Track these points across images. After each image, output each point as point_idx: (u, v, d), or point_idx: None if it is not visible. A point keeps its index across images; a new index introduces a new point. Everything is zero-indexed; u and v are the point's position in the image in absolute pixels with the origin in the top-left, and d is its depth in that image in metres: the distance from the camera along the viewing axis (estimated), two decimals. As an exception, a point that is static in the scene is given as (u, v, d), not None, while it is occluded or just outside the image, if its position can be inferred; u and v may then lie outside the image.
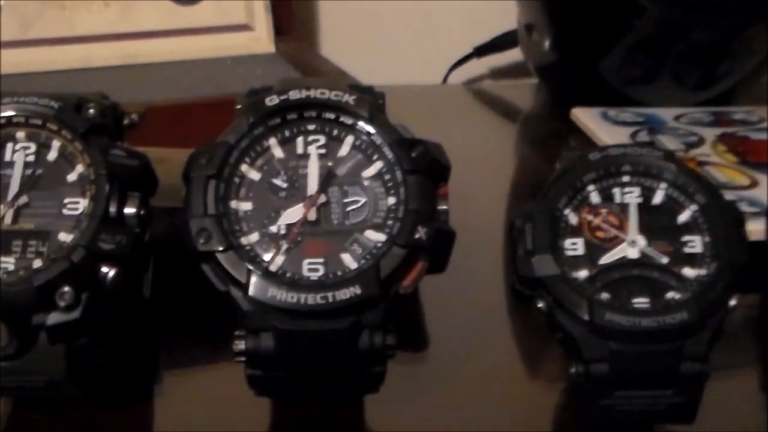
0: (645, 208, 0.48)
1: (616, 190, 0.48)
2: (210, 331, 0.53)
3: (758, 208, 0.63)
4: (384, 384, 0.47)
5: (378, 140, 0.46)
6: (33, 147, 0.47)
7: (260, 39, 0.89)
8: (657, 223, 0.48)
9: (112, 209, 0.45)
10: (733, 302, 0.46)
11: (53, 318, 0.44)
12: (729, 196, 0.64)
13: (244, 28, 0.89)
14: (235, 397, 0.48)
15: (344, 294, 0.43)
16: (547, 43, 0.87)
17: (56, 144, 0.47)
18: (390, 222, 0.45)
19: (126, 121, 0.73)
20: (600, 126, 0.78)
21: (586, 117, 0.80)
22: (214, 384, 0.52)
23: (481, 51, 0.96)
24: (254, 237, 0.45)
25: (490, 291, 0.60)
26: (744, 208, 0.64)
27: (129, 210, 0.45)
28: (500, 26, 0.95)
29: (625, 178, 0.48)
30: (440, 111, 0.92)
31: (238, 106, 0.47)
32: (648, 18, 0.79)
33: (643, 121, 0.80)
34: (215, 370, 0.52)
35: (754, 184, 0.68)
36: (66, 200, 0.46)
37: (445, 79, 0.98)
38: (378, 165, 0.46)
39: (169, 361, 0.55)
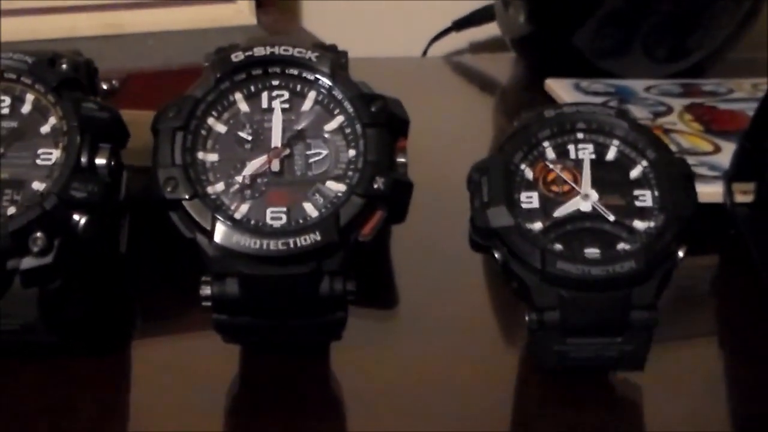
0: (599, 163, 0.49)
1: (571, 147, 0.50)
2: (184, 281, 0.54)
3: (718, 173, 0.64)
4: (352, 335, 0.49)
5: (339, 95, 0.48)
6: (8, 100, 0.48)
7: (242, 11, 0.90)
8: (610, 178, 0.49)
9: (84, 159, 0.46)
10: (681, 254, 0.48)
11: (27, 263, 0.45)
12: (691, 161, 0.67)
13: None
14: (206, 346, 0.50)
15: (305, 240, 0.45)
16: (522, 17, 0.89)
17: (30, 97, 0.48)
18: (350, 173, 0.47)
19: (106, 87, 0.75)
20: (572, 96, 0.80)
21: (559, 88, 0.82)
22: (186, 332, 0.54)
23: (459, 25, 0.98)
24: (220, 186, 0.47)
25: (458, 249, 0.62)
26: (704, 171, 0.66)
27: (100, 160, 0.47)
28: (478, 2, 0.96)
29: (579, 135, 0.50)
30: (420, 83, 0.93)
31: (206, 63, 0.49)
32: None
33: (613, 92, 0.82)
34: (188, 319, 0.54)
35: (717, 150, 0.70)
36: (40, 151, 0.47)
37: (425, 53, 0.99)
38: (339, 119, 0.48)
39: (143, 310, 0.56)
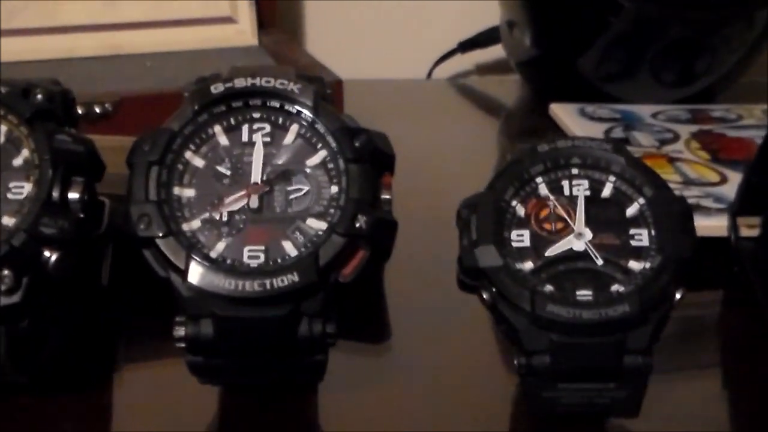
0: (593, 200, 0.48)
1: (565, 183, 0.48)
2: (165, 317, 0.53)
3: (724, 205, 0.62)
4: (341, 375, 0.47)
5: (321, 129, 0.46)
6: (-20, 132, 0.47)
7: (244, 32, 0.89)
8: (605, 216, 0.47)
9: (55, 194, 0.45)
10: (678, 296, 0.46)
11: None
12: (696, 191, 0.65)
13: (227, 20, 0.90)
14: (188, 386, 0.48)
15: (282, 281, 0.43)
16: (527, 40, 0.87)
17: (3, 128, 0.47)
18: (332, 210, 0.45)
19: (99, 110, 0.74)
20: (576, 122, 0.78)
21: (563, 113, 0.81)
22: (169, 368, 0.52)
23: (464, 47, 0.96)
24: (196, 224, 0.45)
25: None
26: (709, 204, 0.64)
27: (73, 195, 0.45)
28: (485, 22, 0.95)
29: (574, 171, 0.48)
30: (424, 106, 0.92)
31: (185, 94, 0.47)
32: (625, 15, 0.80)
33: (619, 118, 0.80)
34: (171, 354, 0.52)
35: (723, 180, 0.68)
36: (11, 184, 0.46)
37: (429, 74, 0.98)
38: (322, 154, 0.46)
39: (125, 344, 0.55)
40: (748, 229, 0.59)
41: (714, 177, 0.68)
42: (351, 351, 0.53)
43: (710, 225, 0.60)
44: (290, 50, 0.87)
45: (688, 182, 0.67)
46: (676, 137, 0.76)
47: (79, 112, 0.72)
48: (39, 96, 0.47)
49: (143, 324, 0.55)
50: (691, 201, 0.63)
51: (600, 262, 0.46)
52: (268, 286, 0.43)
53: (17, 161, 0.46)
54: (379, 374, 0.53)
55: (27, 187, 0.46)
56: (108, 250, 0.53)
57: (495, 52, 0.96)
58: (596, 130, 0.76)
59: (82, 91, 0.75)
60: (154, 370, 0.53)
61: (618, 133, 0.76)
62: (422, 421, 0.48)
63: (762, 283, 0.56)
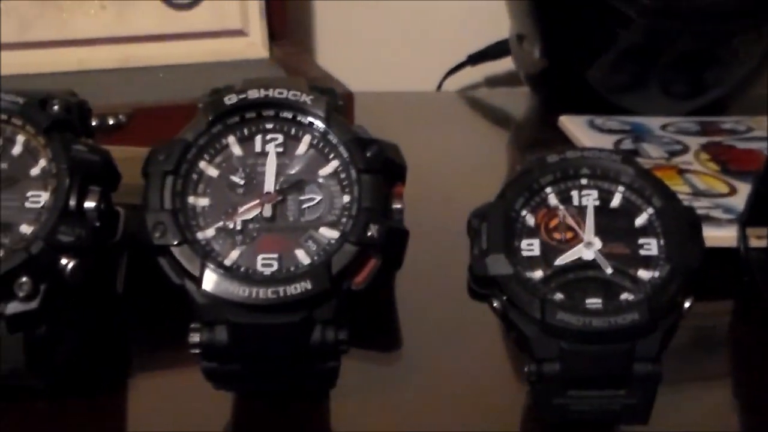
0: (603, 210, 0.48)
1: (574, 193, 0.49)
2: (179, 324, 0.53)
3: (733, 215, 0.63)
4: (353, 382, 0.48)
5: (334, 139, 0.47)
6: (-1, 141, 0.48)
7: (254, 44, 0.90)
8: (615, 225, 0.48)
9: (72, 203, 0.45)
10: (687, 305, 0.46)
11: (12, 308, 0.45)
12: (706, 203, 0.66)
13: (238, 33, 0.90)
14: (203, 391, 0.48)
15: (295, 289, 0.44)
16: (537, 53, 0.88)
17: (21, 139, 0.47)
18: (344, 220, 0.46)
19: (112, 122, 0.74)
20: (585, 134, 0.79)
21: (572, 125, 0.81)
22: (182, 378, 0.52)
23: (474, 59, 0.97)
24: (210, 232, 0.46)
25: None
26: (719, 214, 0.64)
27: (89, 204, 0.46)
28: (494, 35, 0.95)
29: (584, 181, 0.49)
30: (434, 118, 0.93)
31: (200, 105, 0.48)
32: (635, 28, 0.80)
33: (629, 130, 0.80)
34: (186, 361, 0.53)
35: (732, 191, 0.68)
36: (29, 194, 0.46)
37: (439, 87, 0.98)
38: (334, 164, 0.47)
39: (140, 351, 0.55)
40: (757, 239, 0.59)
41: (723, 188, 0.69)
42: (363, 358, 0.54)
43: (720, 236, 0.61)
44: (301, 62, 0.88)
45: (697, 193, 0.67)
46: (685, 149, 0.76)
47: (93, 123, 0.73)
48: (56, 107, 0.48)
49: (157, 331, 0.55)
50: (700, 212, 0.63)
51: (609, 270, 0.46)
52: (281, 294, 0.44)
53: (35, 171, 0.47)
54: (390, 381, 0.53)
55: (44, 196, 0.46)
56: (123, 258, 0.54)
57: (504, 64, 0.96)
58: (605, 141, 0.77)
59: (96, 102, 0.75)
60: (168, 375, 0.53)
61: (627, 144, 0.77)
62: (433, 427, 0.49)
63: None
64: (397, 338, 0.57)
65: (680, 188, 0.68)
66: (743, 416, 0.52)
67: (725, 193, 0.68)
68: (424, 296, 0.60)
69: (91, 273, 0.47)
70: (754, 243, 0.59)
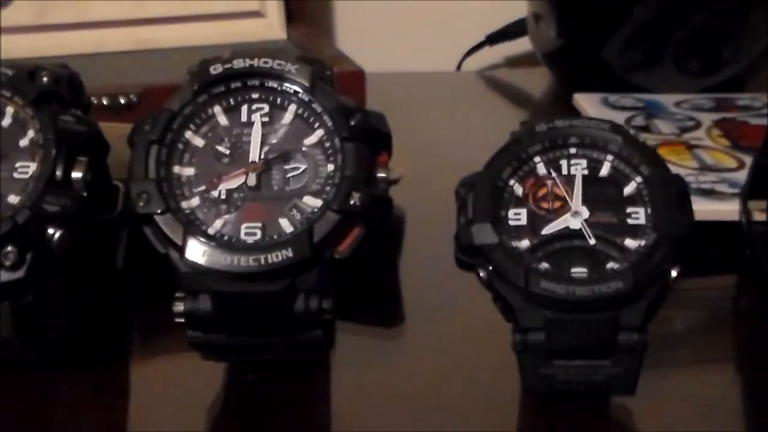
0: (591, 179, 0.48)
1: (563, 162, 0.48)
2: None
3: (738, 190, 0.62)
4: (354, 353, 0.48)
5: (318, 108, 0.47)
6: (-12, 114, 0.48)
7: (272, 26, 0.90)
8: (603, 194, 0.48)
9: (59, 173, 0.46)
10: (674, 273, 0.46)
11: None
12: (712, 177, 0.65)
13: (255, 14, 0.90)
14: (200, 365, 0.49)
15: (277, 257, 0.44)
16: (553, 32, 0.87)
17: (10, 110, 0.48)
18: (328, 188, 0.46)
19: (123, 101, 0.75)
20: (599, 111, 0.78)
21: (586, 102, 0.80)
22: (181, 352, 0.53)
23: (492, 39, 0.96)
24: (195, 201, 0.46)
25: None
26: (724, 189, 0.64)
27: (76, 174, 0.46)
28: (512, 15, 0.95)
29: (572, 150, 0.48)
30: (453, 97, 0.93)
31: (187, 75, 0.48)
32: (649, 4, 0.79)
33: (642, 107, 0.80)
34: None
35: (741, 166, 0.67)
36: (18, 164, 0.47)
37: (459, 67, 0.98)
38: (319, 133, 0.47)
39: (140, 326, 0.56)
40: (760, 213, 0.59)
41: (732, 163, 0.68)
42: (360, 332, 0.54)
43: (723, 209, 0.60)
44: (319, 44, 0.88)
45: (704, 168, 0.67)
46: (697, 125, 0.75)
47: (105, 102, 0.74)
48: (45, 78, 0.48)
49: (157, 306, 0.56)
50: (705, 186, 0.63)
51: (593, 241, 0.46)
52: (263, 261, 0.44)
53: (23, 142, 0.48)
54: (387, 353, 0.53)
55: (32, 167, 0.47)
56: (123, 233, 0.54)
57: (522, 44, 0.96)
58: (618, 118, 0.76)
59: (110, 83, 0.77)
60: (167, 350, 0.53)
61: (639, 121, 0.76)
62: (428, 398, 0.49)
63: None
64: (397, 311, 0.57)
65: (687, 163, 0.67)
66: (745, 388, 0.51)
67: (733, 167, 0.67)
68: (437, 276, 0.59)
69: (80, 244, 0.47)
70: (757, 216, 0.59)
